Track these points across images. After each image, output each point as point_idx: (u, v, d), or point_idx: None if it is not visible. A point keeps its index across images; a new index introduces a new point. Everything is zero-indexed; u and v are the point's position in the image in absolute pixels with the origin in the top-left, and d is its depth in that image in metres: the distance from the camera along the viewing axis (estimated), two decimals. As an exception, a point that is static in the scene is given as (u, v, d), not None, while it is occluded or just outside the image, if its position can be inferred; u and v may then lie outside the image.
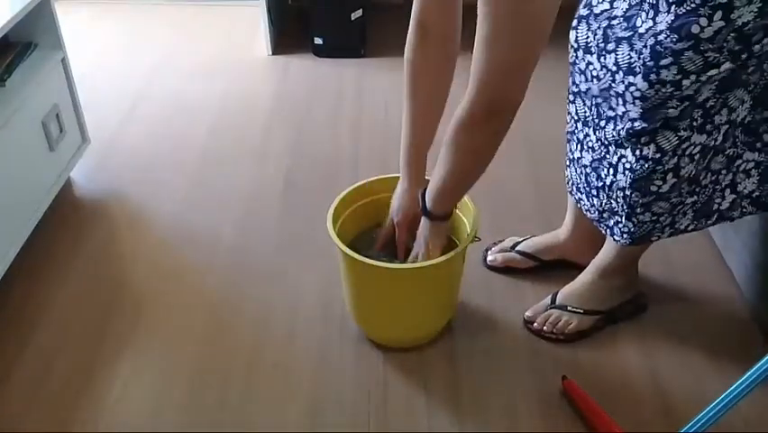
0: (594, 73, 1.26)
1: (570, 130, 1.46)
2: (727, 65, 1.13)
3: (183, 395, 1.45)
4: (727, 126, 1.25)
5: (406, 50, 1.37)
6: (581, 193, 1.46)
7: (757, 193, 1.36)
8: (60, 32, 1.89)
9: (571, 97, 1.41)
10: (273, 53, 2.72)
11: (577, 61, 1.32)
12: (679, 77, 1.14)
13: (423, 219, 1.39)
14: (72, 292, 1.70)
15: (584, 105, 1.36)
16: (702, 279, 1.69)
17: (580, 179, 1.45)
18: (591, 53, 1.27)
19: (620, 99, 1.22)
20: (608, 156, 1.33)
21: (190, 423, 1.40)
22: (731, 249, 1.68)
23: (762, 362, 1.04)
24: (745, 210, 1.39)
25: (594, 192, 1.41)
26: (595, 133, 1.35)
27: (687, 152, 1.24)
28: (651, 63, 1.15)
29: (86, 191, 2.04)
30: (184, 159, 2.16)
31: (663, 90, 1.16)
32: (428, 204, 1.35)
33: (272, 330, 1.59)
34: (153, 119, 2.36)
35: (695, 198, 1.34)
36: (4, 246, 1.66)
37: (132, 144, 2.23)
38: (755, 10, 1.07)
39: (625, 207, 1.35)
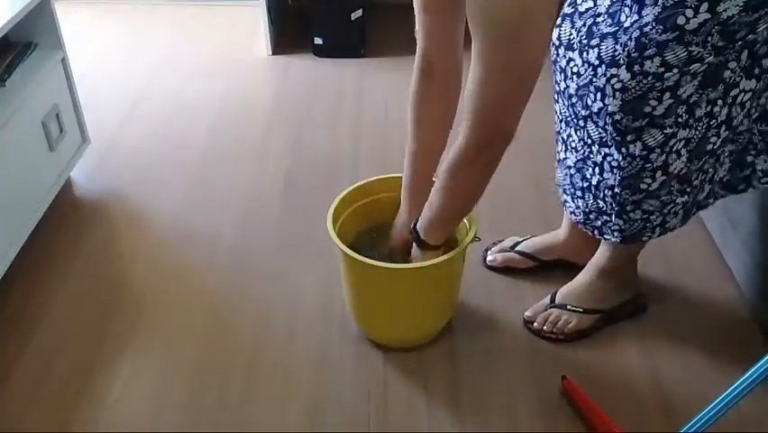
0: (575, 70, 1.26)
1: (556, 130, 1.46)
2: (711, 59, 1.13)
3: (183, 395, 1.45)
4: (727, 133, 1.25)
5: (411, 89, 1.40)
6: (567, 195, 1.46)
7: (727, 177, 1.37)
8: (60, 32, 1.89)
9: (555, 97, 1.41)
10: (273, 53, 2.72)
11: (558, 59, 1.32)
12: (661, 69, 1.15)
13: (415, 249, 1.42)
14: (72, 292, 1.70)
15: (563, 104, 1.37)
16: (702, 279, 1.69)
17: (566, 180, 1.45)
18: (573, 50, 1.27)
19: (599, 94, 1.22)
20: (591, 156, 1.33)
21: (190, 423, 1.40)
22: (731, 248, 1.68)
23: (762, 362, 1.04)
24: (717, 195, 1.41)
25: (579, 193, 1.41)
26: (577, 133, 1.35)
27: (674, 149, 1.24)
28: (635, 54, 1.15)
29: (86, 191, 2.04)
30: (184, 159, 2.16)
31: (645, 81, 1.16)
32: (422, 236, 1.38)
33: (272, 330, 1.59)
34: (153, 119, 2.36)
35: (686, 197, 1.34)
36: (4, 246, 1.66)
37: (132, 144, 2.23)
38: (741, 4, 1.07)
39: (614, 206, 1.35)
